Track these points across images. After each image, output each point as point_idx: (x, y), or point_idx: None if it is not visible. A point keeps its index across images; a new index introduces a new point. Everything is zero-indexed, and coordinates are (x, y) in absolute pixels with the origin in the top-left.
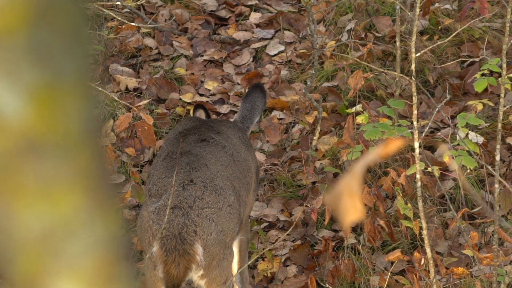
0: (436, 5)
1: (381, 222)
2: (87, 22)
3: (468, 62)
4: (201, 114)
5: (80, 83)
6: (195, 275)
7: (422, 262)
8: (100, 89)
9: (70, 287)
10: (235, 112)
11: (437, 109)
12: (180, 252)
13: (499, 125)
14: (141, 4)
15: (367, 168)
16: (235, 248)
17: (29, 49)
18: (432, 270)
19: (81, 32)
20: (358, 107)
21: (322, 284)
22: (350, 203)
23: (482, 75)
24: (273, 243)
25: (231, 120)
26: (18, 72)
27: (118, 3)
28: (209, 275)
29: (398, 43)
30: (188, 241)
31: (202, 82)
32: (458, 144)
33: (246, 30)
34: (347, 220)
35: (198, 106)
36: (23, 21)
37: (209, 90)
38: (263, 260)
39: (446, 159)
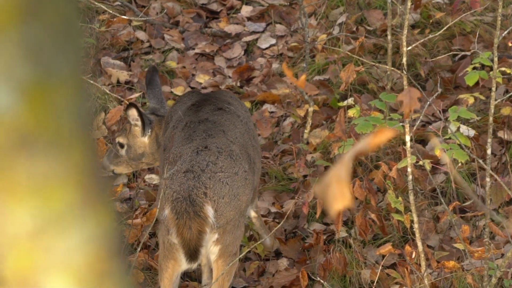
0: None
1: (373, 216)
2: (79, 16)
3: (460, 55)
4: (133, 113)
5: (72, 79)
6: (210, 240)
7: (413, 255)
8: (91, 82)
9: (61, 283)
10: None
11: (428, 102)
12: (190, 215)
13: (491, 118)
14: None
15: (357, 158)
16: (253, 213)
17: (21, 46)
18: (423, 263)
19: (73, 28)
20: (350, 101)
21: (313, 277)
22: (338, 191)
23: (474, 68)
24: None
25: (147, 108)
26: (10, 68)
27: None
28: (223, 241)
29: (389, 37)
30: (197, 203)
31: (193, 75)
32: (450, 138)
33: (237, 24)
34: (334, 207)
35: (130, 105)
36: (14, 17)
37: (201, 83)
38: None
39: (437, 152)
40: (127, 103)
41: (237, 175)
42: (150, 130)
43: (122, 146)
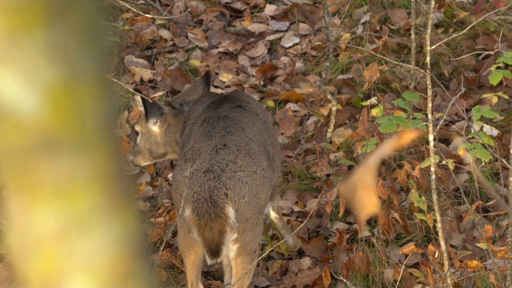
0: None
1: (396, 215)
2: (103, 16)
3: (483, 55)
4: (138, 99)
5: (97, 79)
6: (230, 239)
7: (436, 255)
8: (115, 80)
9: (85, 285)
10: None
11: (452, 102)
12: (211, 216)
13: None
14: None
15: (381, 160)
16: (274, 214)
17: (46, 47)
18: (446, 263)
19: (98, 28)
20: (373, 100)
21: (336, 276)
22: (365, 197)
23: (497, 68)
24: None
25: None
26: (35, 70)
27: None
28: (242, 239)
29: (413, 36)
30: (218, 204)
31: (217, 74)
32: (473, 137)
33: (261, 22)
34: (362, 213)
35: (136, 91)
36: (40, 19)
37: (224, 82)
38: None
39: (460, 152)
40: (133, 91)
41: (256, 173)
42: (157, 120)
43: (137, 133)
